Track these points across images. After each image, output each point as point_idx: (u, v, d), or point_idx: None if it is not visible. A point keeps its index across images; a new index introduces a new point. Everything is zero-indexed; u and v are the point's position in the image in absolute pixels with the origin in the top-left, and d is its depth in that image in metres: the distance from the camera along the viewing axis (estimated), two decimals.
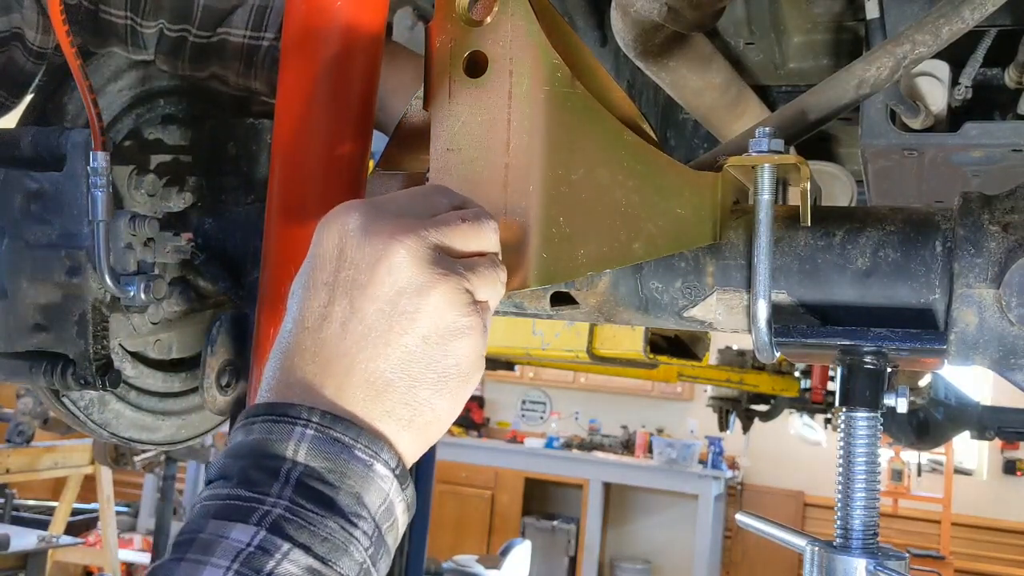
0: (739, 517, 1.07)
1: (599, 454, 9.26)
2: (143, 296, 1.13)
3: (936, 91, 1.49)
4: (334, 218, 0.69)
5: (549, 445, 9.38)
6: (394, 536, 0.65)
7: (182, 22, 1.23)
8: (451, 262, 0.69)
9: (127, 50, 1.25)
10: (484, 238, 0.73)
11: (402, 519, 0.66)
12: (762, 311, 0.89)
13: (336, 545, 0.59)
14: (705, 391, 6.03)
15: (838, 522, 0.92)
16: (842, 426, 0.93)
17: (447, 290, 0.67)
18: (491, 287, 0.72)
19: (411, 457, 0.68)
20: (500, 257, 0.76)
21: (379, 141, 1.03)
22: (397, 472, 0.65)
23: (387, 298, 0.66)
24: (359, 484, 0.62)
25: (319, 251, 0.69)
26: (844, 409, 0.93)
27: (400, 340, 0.66)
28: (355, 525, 0.61)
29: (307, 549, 0.58)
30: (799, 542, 0.96)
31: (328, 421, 0.63)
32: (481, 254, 0.73)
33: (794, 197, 0.93)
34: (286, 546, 0.57)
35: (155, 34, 1.23)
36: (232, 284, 1.28)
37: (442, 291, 0.67)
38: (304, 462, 0.61)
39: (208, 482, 0.63)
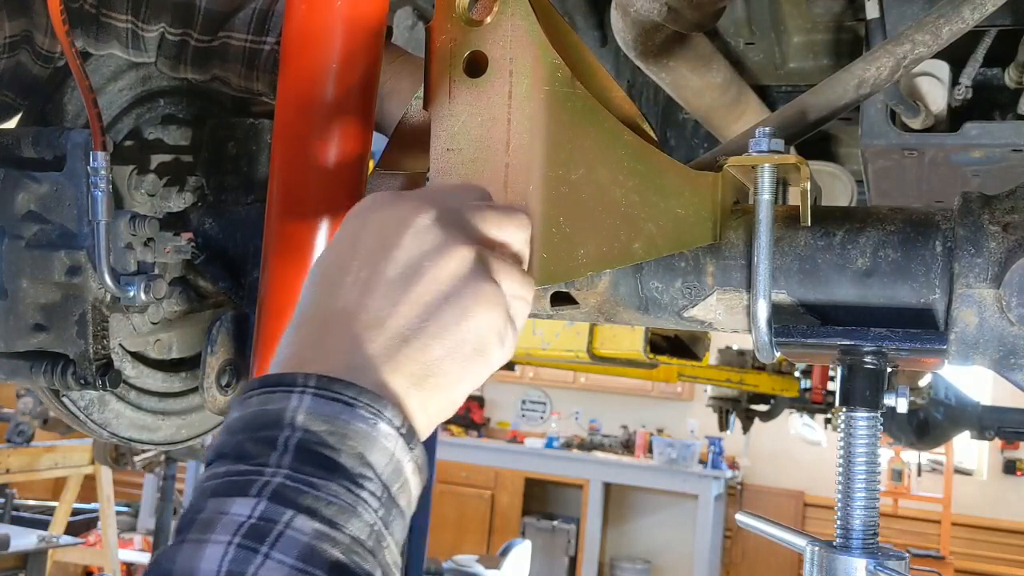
0: (739, 517, 1.07)
1: (599, 454, 9.26)
2: (143, 296, 1.13)
3: (936, 91, 1.49)
4: (361, 204, 0.72)
5: (549, 445, 9.38)
6: (407, 499, 0.63)
7: (183, 26, 1.23)
8: (473, 235, 0.71)
9: (128, 53, 1.25)
10: (512, 227, 0.74)
11: (413, 480, 0.63)
12: (762, 311, 0.89)
13: (342, 507, 0.57)
14: (705, 391, 6.03)
15: (838, 522, 0.92)
16: (842, 426, 0.93)
17: (467, 254, 0.68)
18: (513, 276, 0.72)
19: (422, 421, 0.66)
20: (526, 261, 0.77)
21: (379, 141, 1.03)
22: (403, 431, 0.62)
23: (408, 260, 0.67)
24: (361, 444, 0.60)
25: (345, 230, 0.71)
26: (844, 409, 0.93)
27: (420, 299, 0.66)
28: (360, 486, 0.59)
29: (312, 513, 0.56)
30: (799, 542, 0.96)
31: (325, 383, 0.61)
32: (505, 245, 0.74)
33: (794, 197, 0.93)
34: (289, 513, 0.55)
35: (156, 38, 1.23)
36: (232, 284, 1.28)
37: (463, 254, 0.68)
38: (303, 427, 0.59)
39: (207, 464, 0.62)
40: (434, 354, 0.66)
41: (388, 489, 0.61)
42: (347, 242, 0.70)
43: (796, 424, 6.79)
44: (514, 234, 0.75)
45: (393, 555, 0.61)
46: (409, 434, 0.63)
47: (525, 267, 0.76)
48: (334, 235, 0.72)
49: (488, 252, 0.71)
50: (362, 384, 0.62)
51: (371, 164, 1.01)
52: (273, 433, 0.59)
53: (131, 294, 1.13)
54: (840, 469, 0.92)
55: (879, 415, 0.92)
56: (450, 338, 0.67)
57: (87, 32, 1.21)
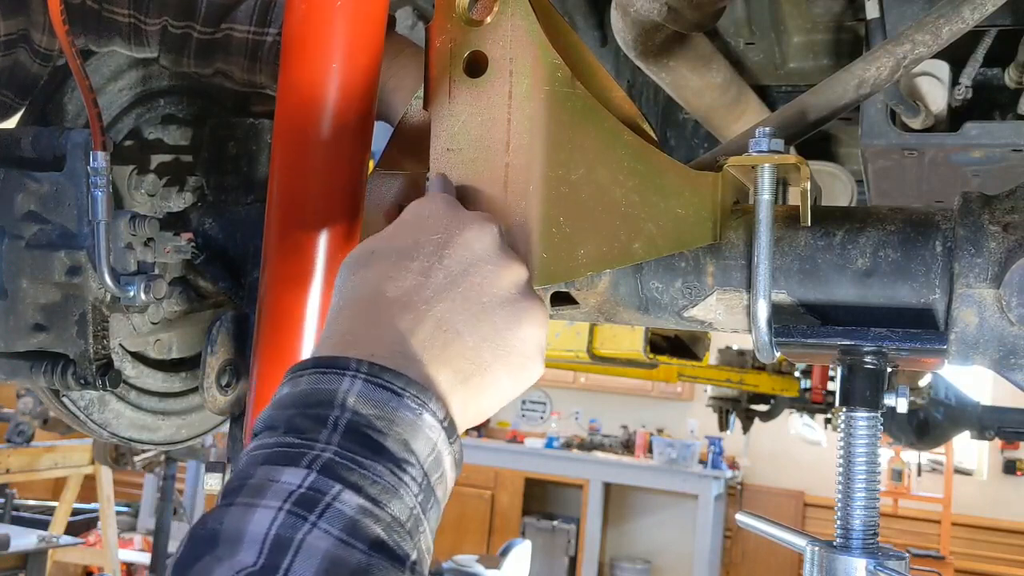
0: (739, 517, 1.07)
1: (599, 454, 9.26)
2: (143, 296, 1.13)
3: (936, 91, 1.49)
4: (428, 197, 0.77)
5: (549, 445, 9.38)
6: (443, 490, 0.65)
7: (186, 19, 1.23)
8: (524, 261, 0.77)
9: (130, 49, 1.25)
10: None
11: (451, 474, 0.65)
12: (762, 311, 0.89)
13: (386, 487, 0.59)
14: (705, 391, 6.03)
15: (838, 522, 0.92)
16: (842, 426, 0.93)
17: (523, 273, 0.73)
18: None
19: (461, 418, 0.68)
20: None
21: (379, 141, 1.03)
22: (445, 424, 0.64)
23: (471, 261, 0.70)
24: (407, 431, 0.62)
25: (409, 222, 0.74)
26: (844, 409, 0.93)
27: (479, 299, 0.69)
28: (404, 470, 0.60)
29: (358, 490, 0.57)
30: (799, 542, 0.96)
31: (376, 371, 0.63)
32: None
33: (794, 197, 0.93)
34: (337, 487, 0.57)
35: (159, 31, 1.23)
36: (232, 284, 1.28)
37: (520, 271, 0.73)
38: (352, 408, 0.61)
39: (254, 435, 0.63)
40: (483, 356, 0.68)
41: (428, 477, 0.62)
42: (407, 232, 0.72)
43: (796, 424, 6.79)
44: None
45: (428, 541, 0.62)
46: (451, 428, 0.65)
47: None
48: (396, 221, 0.75)
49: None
50: (410, 375, 0.64)
51: (371, 164, 1.01)
52: (324, 412, 0.61)
53: (131, 294, 1.13)
54: (840, 469, 0.92)
55: (879, 415, 0.92)
56: (500, 343, 0.69)
57: (88, 29, 1.21)
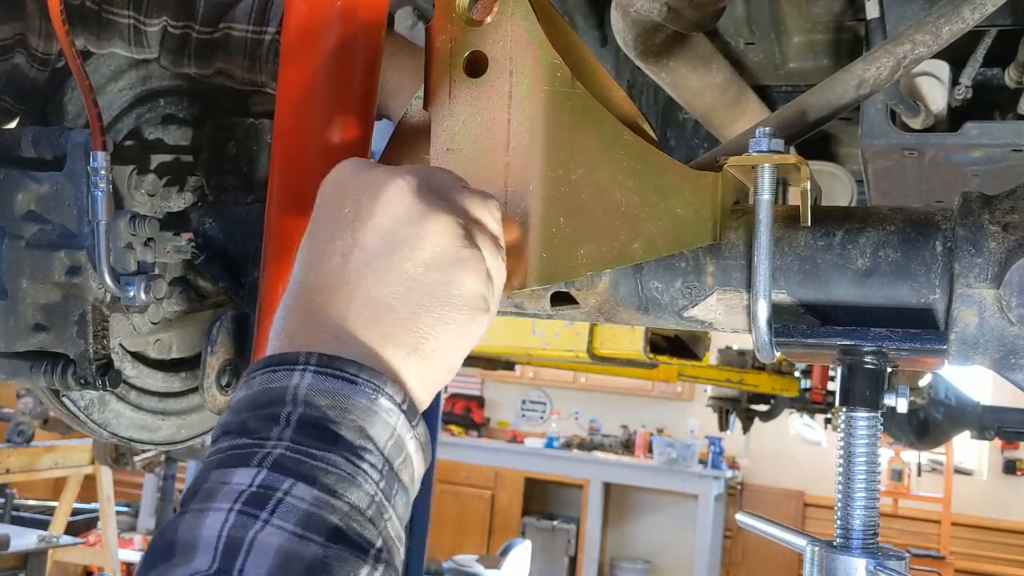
0: (739, 517, 1.07)
1: (599, 454, 9.26)
2: (143, 296, 1.13)
3: (936, 91, 1.49)
4: (336, 169, 0.72)
5: (549, 445, 9.38)
6: (409, 475, 0.64)
7: (185, 19, 1.23)
8: (452, 204, 0.71)
9: (129, 50, 1.25)
10: (486, 209, 0.74)
11: (416, 458, 0.64)
12: (762, 311, 0.89)
13: (341, 476, 0.58)
14: (705, 391, 6.02)
15: (838, 522, 0.92)
16: (842, 426, 0.93)
17: (447, 220, 0.68)
18: (490, 247, 0.72)
19: (420, 390, 0.67)
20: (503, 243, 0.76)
21: (379, 141, 1.03)
22: (404, 407, 0.63)
23: (388, 228, 0.67)
24: (362, 418, 0.61)
25: (321, 199, 0.71)
26: (844, 409, 0.93)
27: (401, 266, 0.66)
28: (361, 458, 0.59)
29: (312, 481, 0.57)
30: (799, 542, 0.96)
31: (326, 361, 0.62)
32: (480, 222, 0.73)
33: (794, 197, 0.93)
34: (288, 481, 0.56)
35: (158, 32, 1.23)
36: (232, 284, 1.28)
37: (442, 220, 0.68)
38: (304, 401, 0.60)
39: (212, 442, 0.63)
40: (422, 321, 0.66)
41: (390, 463, 0.61)
42: (325, 212, 0.70)
43: (796, 424, 6.80)
44: (489, 215, 0.75)
45: (396, 528, 0.61)
46: (411, 411, 0.64)
47: (501, 248, 0.76)
48: (314, 205, 0.72)
49: (462, 209, 0.71)
50: (360, 360, 0.63)
51: None
52: (276, 409, 0.60)
53: (131, 294, 1.13)
54: (840, 469, 0.92)
55: (879, 415, 0.92)
56: (437, 304, 0.67)
57: (88, 30, 1.21)
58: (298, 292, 0.68)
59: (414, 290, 0.66)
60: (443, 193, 0.71)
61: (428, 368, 0.67)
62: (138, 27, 1.23)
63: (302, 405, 0.60)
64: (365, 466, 0.59)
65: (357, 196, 0.69)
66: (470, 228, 0.70)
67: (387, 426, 0.62)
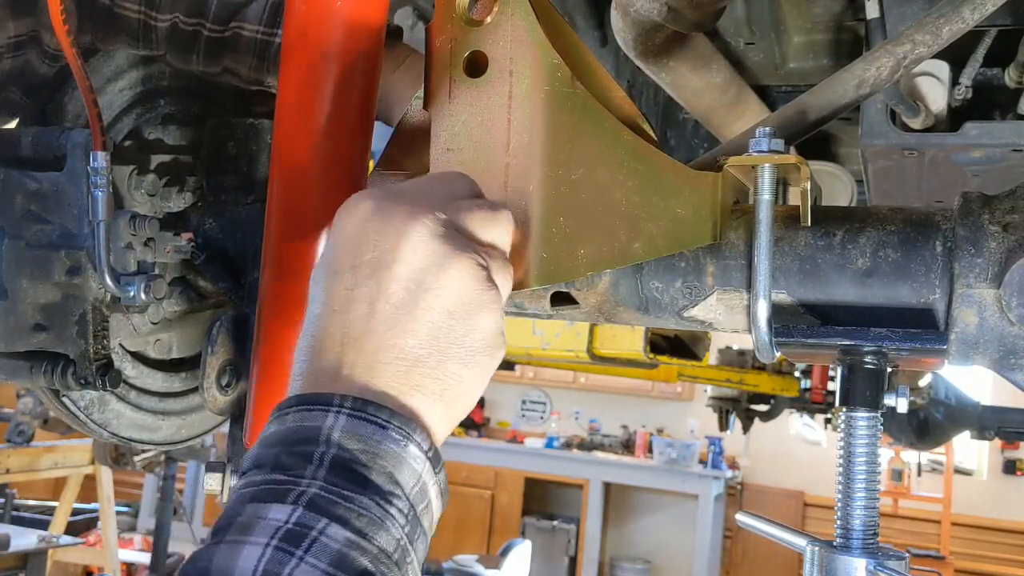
0: (739, 517, 1.07)
1: (599, 454, 9.26)
2: (143, 296, 1.13)
3: (936, 91, 1.49)
4: (354, 204, 0.72)
5: (549, 445, 9.38)
6: (429, 520, 0.65)
7: (197, 16, 1.24)
8: (467, 240, 0.72)
9: (137, 47, 1.25)
10: (499, 228, 0.76)
11: (436, 503, 0.66)
12: (762, 311, 0.89)
13: (372, 520, 0.60)
14: (705, 391, 6.03)
15: (838, 522, 0.92)
16: (842, 426, 0.93)
17: (467, 264, 0.69)
18: (503, 274, 0.74)
19: (442, 432, 0.69)
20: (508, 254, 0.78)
21: (379, 141, 1.03)
22: (430, 455, 0.65)
23: (412, 276, 0.68)
24: (392, 464, 0.62)
25: (341, 238, 0.71)
26: (844, 409, 0.93)
27: (427, 316, 0.68)
28: (390, 503, 0.61)
29: (345, 523, 0.58)
30: (799, 542, 0.96)
31: (360, 405, 0.63)
32: (494, 246, 0.75)
33: (794, 197, 0.93)
34: (323, 521, 0.58)
35: (168, 28, 1.24)
36: (232, 284, 1.28)
37: (463, 265, 0.69)
38: (338, 444, 0.62)
39: (243, 473, 0.64)
40: (449, 370, 0.68)
41: (414, 508, 0.63)
42: (346, 256, 0.70)
43: (796, 424, 6.80)
44: (501, 235, 0.76)
45: (415, 572, 0.63)
46: (435, 458, 0.66)
47: (508, 262, 0.77)
48: (330, 234, 0.73)
49: (481, 252, 0.72)
50: (392, 406, 0.65)
51: (371, 164, 1.01)
52: (310, 448, 0.62)
53: (131, 294, 1.13)
54: (840, 469, 0.92)
55: (879, 415, 0.92)
56: (461, 351, 0.69)
57: (98, 25, 1.21)
58: (323, 336, 0.69)
59: (439, 339, 0.68)
60: (459, 225, 0.72)
61: (452, 411, 0.69)
62: (148, 22, 1.23)
63: (335, 447, 0.62)
64: (393, 511, 0.61)
65: (379, 240, 0.69)
66: (488, 263, 0.72)
67: (414, 473, 0.64)
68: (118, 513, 6.55)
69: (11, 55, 1.14)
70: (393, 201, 0.71)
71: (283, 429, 0.64)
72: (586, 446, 9.46)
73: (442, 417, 0.68)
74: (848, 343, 0.89)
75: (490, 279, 0.71)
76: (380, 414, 0.63)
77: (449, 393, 0.68)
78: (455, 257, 0.69)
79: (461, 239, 0.71)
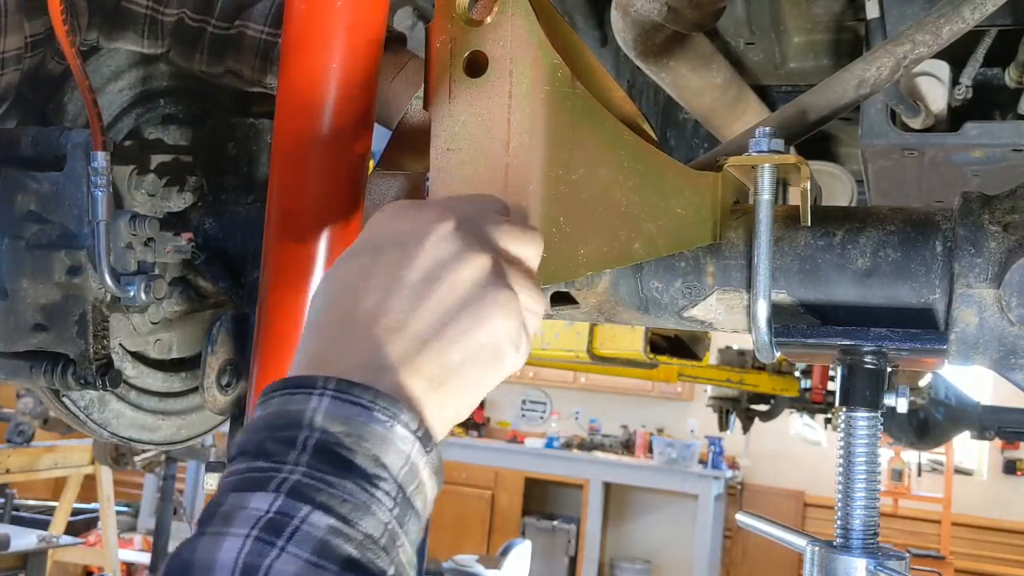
0: (739, 517, 1.07)
1: (599, 454, 9.26)
2: (143, 296, 1.13)
3: (936, 91, 1.49)
4: (389, 206, 0.74)
5: (549, 445, 9.37)
6: (423, 500, 0.64)
7: (203, 13, 1.24)
8: (493, 246, 0.72)
9: (141, 44, 1.25)
10: (528, 245, 0.76)
11: (429, 483, 0.65)
12: (762, 311, 0.89)
13: (357, 505, 0.59)
14: (705, 391, 6.02)
15: (838, 522, 0.92)
16: (842, 426, 0.93)
17: (486, 263, 0.70)
18: (530, 292, 0.73)
19: (437, 424, 0.68)
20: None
21: (379, 141, 1.03)
22: (419, 434, 0.64)
23: (427, 268, 0.69)
24: (377, 446, 0.61)
25: (363, 239, 0.73)
26: (844, 409, 0.93)
27: (440, 304, 0.68)
28: (375, 486, 0.60)
29: (327, 509, 0.57)
30: (799, 542, 0.96)
31: (344, 387, 0.62)
32: (520, 260, 0.75)
33: (794, 197, 0.93)
34: (305, 508, 0.57)
35: (175, 23, 1.24)
36: (232, 284, 1.28)
37: (481, 263, 0.70)
38: (321, 427, 0.61)
39: (229, 461, 0.63)
40: (452, 358, 0.68)
41: (403, 490, 0.62)
42: (368, 249, 0.72)
43: (796, 424, 6.79)
44: (529, 251, 0.76)
45: (407, 554, 0.62)
46: (425, 438, 0.64)
47: (540, 287, 0.77)
48: (354, 241, 0.74)
49: (505, 263, 0.72)
50: (380, 387, 0.63)
51: (371, 164, 1.01)
52: (292, 433, 0.61)
53: (131, 294, 1.13)
54: (840, 469, 0.92)
55: (879, 415, 0.92)
56: (468, 343, 0.68)
57: (105, 19, 1.21)
58: (332, 319, 0.69)
59: (448, 327, 0.68)
60: (484, 231, 0.73)
61: (450, 402, 0.68)
62: (155, 17, 1.23)
63: (319, 430, 0.61)
64: (379, 494, 0.60)
65: (401, 235, 0.71)
66: (506, 268, 0.72)
67: (401, 453, 0.62)
68: (118, 513, 6.55)
69: (30, 54, 1.15)
70: (427, 205, 0.74)
71: (267, 414, 0.63)
72: (586, 446, 9.46)
73: (438, 407, 0.67)
74: (848, 343, 0.89)
75: (504, 280, 0.71)
76: (365, 395, 0.62)
77: (449, 384, 0.68)
78: (472, 252, 0.70)
79: (483, 241, 0.72)
